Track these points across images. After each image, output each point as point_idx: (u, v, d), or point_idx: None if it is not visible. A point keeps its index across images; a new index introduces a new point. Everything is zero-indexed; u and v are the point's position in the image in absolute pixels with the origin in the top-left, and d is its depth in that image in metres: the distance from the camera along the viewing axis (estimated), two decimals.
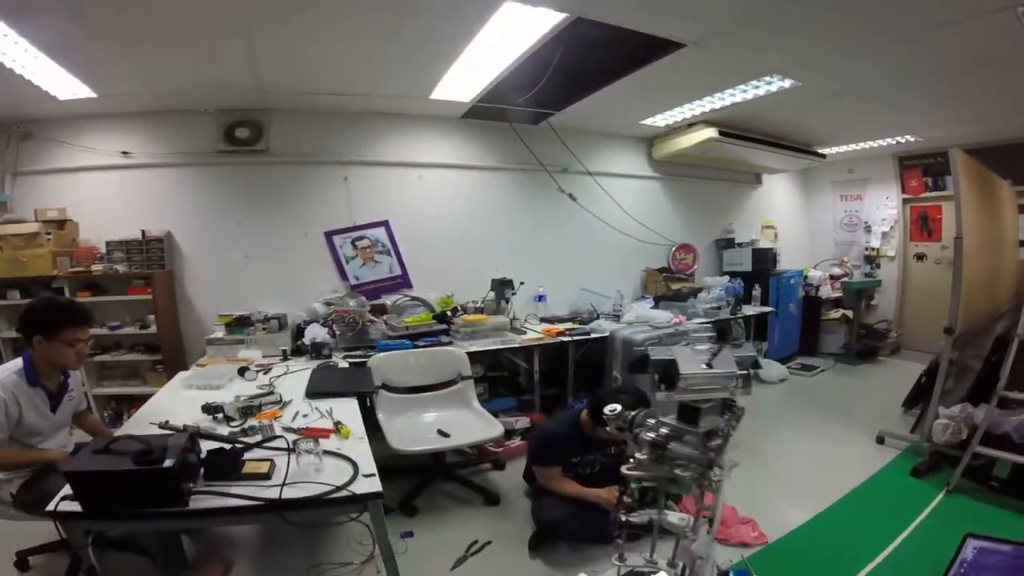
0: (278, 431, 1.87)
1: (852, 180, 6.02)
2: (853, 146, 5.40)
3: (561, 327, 3.86)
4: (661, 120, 4.41)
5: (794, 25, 2.58)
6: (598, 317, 4.11)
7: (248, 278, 3.74)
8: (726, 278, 4.95)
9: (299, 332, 3.44)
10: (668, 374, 1.45)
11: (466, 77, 3.23)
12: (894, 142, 5.18)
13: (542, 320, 4.22)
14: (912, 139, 5.09)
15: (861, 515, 2.67)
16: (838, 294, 5.68)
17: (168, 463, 1.35)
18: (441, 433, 2.73)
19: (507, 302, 3.97)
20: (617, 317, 4.10)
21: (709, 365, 1.39)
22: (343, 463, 1.64)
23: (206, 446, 1.59)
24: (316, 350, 3.16)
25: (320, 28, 2.48)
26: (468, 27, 2.51)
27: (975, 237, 3.12)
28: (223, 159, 3.69)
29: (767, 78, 3.39)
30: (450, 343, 3.41)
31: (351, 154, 3.93)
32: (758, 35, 2.69)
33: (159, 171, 3.60)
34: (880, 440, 3.47)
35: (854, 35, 2.72)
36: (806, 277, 5.63)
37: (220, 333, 3.33)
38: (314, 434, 1.85)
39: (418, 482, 2.77)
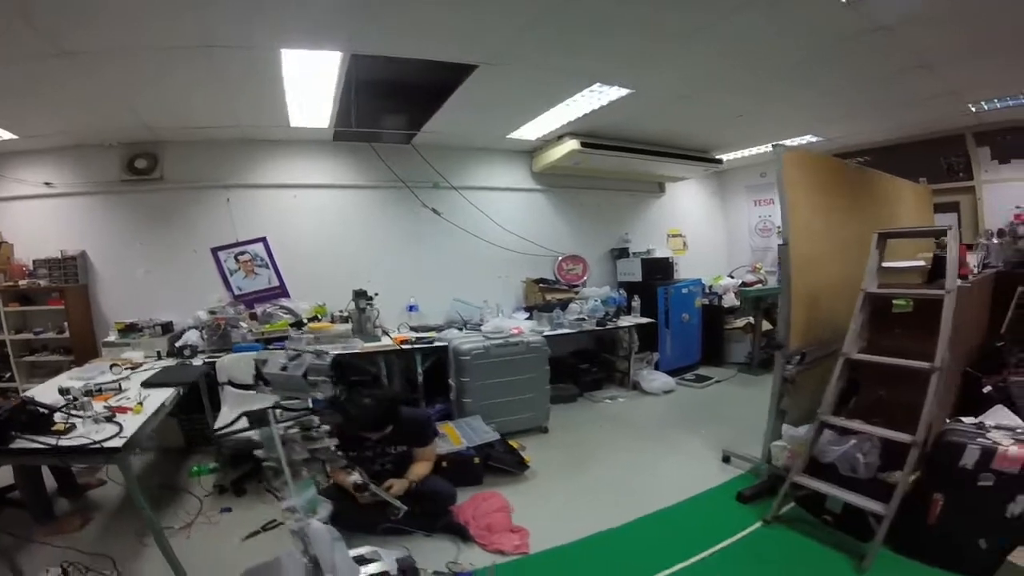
0: (97, 408, 2.91)
1: (764, 184, 6.69)
2: (756, 150, 6.07)
3: (409, 336, 4.88)
4: (527, 134, 5.29)
5: (586, 29, 3.14)
6: (465, 327, 5.13)
7: (147, 290, 5.01)
8: (606, 289, 5.88)
9: (178, 336, 4.66)
10: (260, 374, 2.48)
11: (308, 107, 4.34)
12: (796, 143, 5.71)
13: (412, 329, 5.23)
14: (815, 139, 5.69)
15: (653, 537, 2.95)
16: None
17: None
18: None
19: (363, 311, 4.98)
20: (478, 327, 5.09)
21: (284, 368, 2.41)
22: (114, 427, 2.67)
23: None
24: (180, 352, 4.39)
25: (186, 77, 3.58)
26: (269, 70, 3.50)
27: (814, 243, 3.31)
28: (126, 187, 4.99)
29: (594, 87, 4.09)
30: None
31: (233, 178, 5.17)
32: (551, 47, 3.35)
33: (75, 199, 4.95)
34: (726, 459, 3.81)
35: (662, 36, 3.23)
36: (710, 286, 6.42)
37: (113, 337, 4.63)
38: (117, 410, 2.90)
39: (253, 467, 3.57)
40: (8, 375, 4.70)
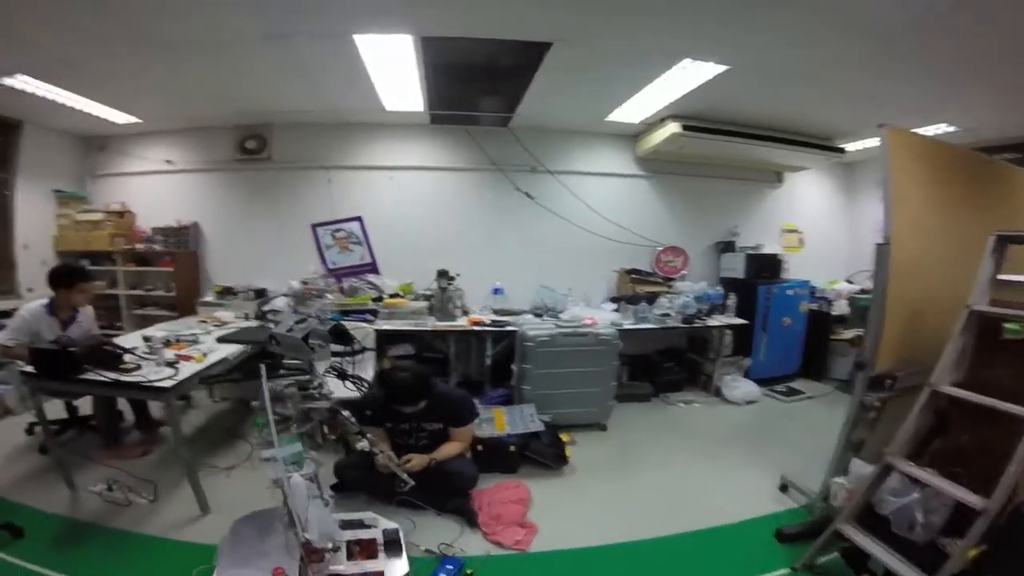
0: (167, 355, 3.30)
1: None
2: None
3: (484, 318, 4.99)
4: (628, 116, 5.13)
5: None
6: (546, 314, 5.13)
7: (251, 258, 5.64)
8: (702, 284, 5.60)
9: (267, 302, 5.10)
10: (273, 335, 2.70)
11: (398, 92, 4.60)
12: (933, 132, 5.00)
13: (494, 312, 5.31)
14: (951, 129, 5.00)
15: (663, 559, 2.80)
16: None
17: (72, 350, 3.09)
18: None
19: (444, 291, 5.14)
20: (559, 315, 5.10)
21: (290, 330, 2.61)
22: (171, 371, 3.04)
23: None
24: (264, 315, 4.82)
25: (270, 65, 3.99)
26: (347, 56, 3.75)
27: (922, 243, 2.86)
28: (237, 166, 5.65)
29: (683, 63, 3.84)
30: (372, 320, 4.84)
31: (334, 159, 5.61)
32: (626, 21, 3.23)
33: (192, 175, 5.69)
34: (783, 488, 3.47)
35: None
36: (821, 290, 5.96)
37: (211, 298, 5.26)
38: (182, 358, 3.31)
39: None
40: (119, 324, 5.42)
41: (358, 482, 3.19)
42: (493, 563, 2.68)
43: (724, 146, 5.31)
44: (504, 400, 4.61)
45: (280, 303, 5.06)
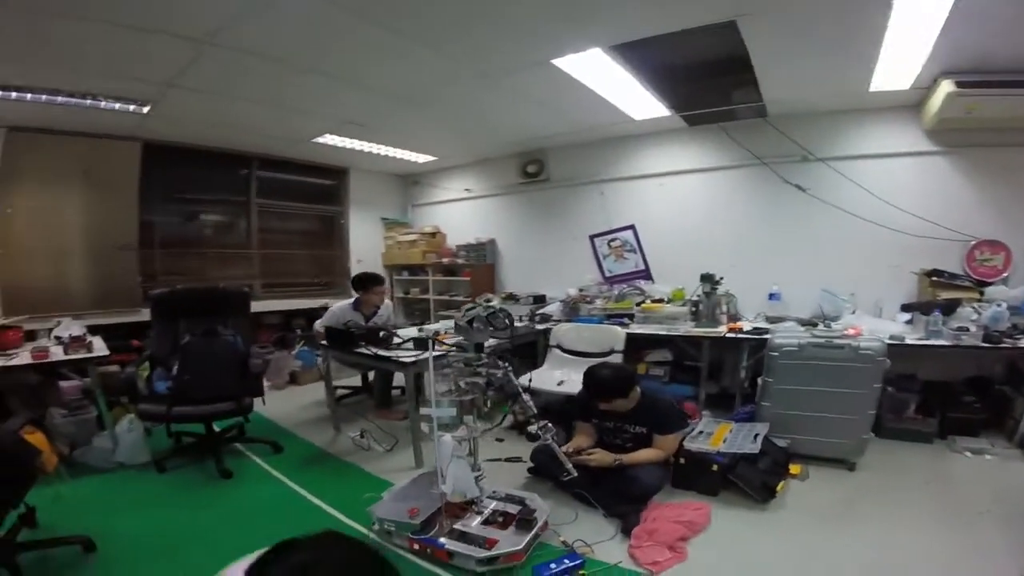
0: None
1: None
2: None
3: (742, 325, 4.95)
4: (890, 82, 4.53)
5: None
6: (823, 322, 4.70)
7: (537, 269, 6.80)
8: (1020, 291, 4.58)
9: (542, 306, 6.11)
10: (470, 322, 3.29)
11: (631, 102, 5.10)
12: None
13: (767, 319, 5.19)
14: None
15: None
16: None
17: (354, 331, 4.33)
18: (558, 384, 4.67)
19: (708, 295, 5.30)
20: (832, 322, 4.73)
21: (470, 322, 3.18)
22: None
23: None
24: (533, 317, 5.75)
25: (499, 98, 4.91)
26: (557, 78, 4.35)
27: None
28: (522, 188, 6.85)
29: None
30: (627, 324, 5.26)
31: (605, 173, 6.36)
32: None
33: (486, 199, 7.12)
34: None
35: None
36: None
37: (495, 302, 6.48)
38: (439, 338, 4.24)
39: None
40: (426, 322, 6.82)
41: (546, 467, 3.48)
42: (612, 573, 2.72)
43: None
44: (748, 418, 4.23)
45: (553, 308, 5.97)
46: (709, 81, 4.97)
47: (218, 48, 3.68)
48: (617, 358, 4.85)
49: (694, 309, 5.41)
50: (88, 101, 4.52)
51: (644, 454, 3.44)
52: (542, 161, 6.69)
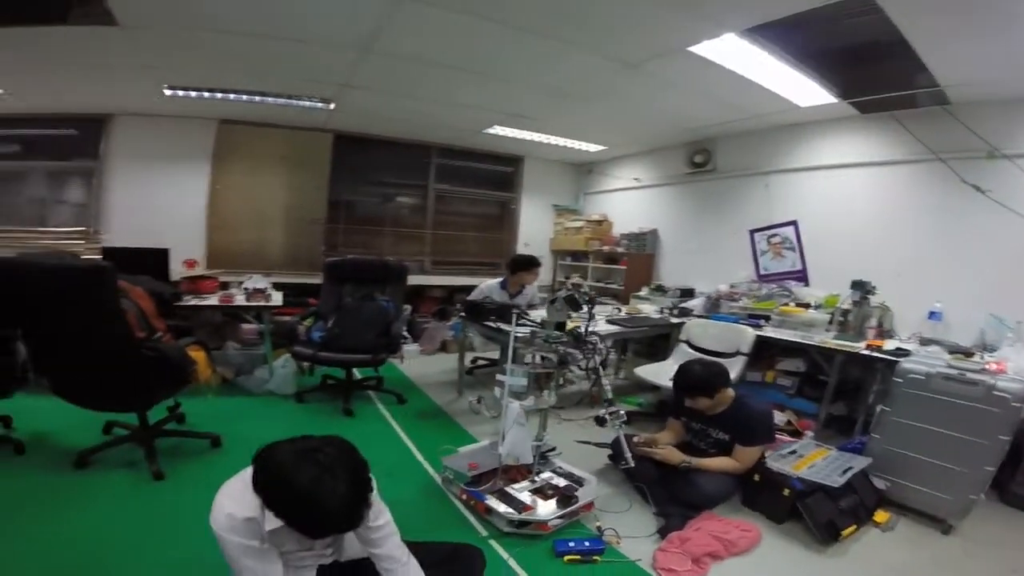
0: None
1: None
2: None
3: (883, 343, 4.56)
4: None
5: None
6: (983, 351, 4.19)
7: (694, 261, 6.90)
8: None
9: (688, 300, 6.27)
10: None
11: (792, 87, 4.96)
12: None
13: (921, 342, 4.69)
14: None
15: None
16: None
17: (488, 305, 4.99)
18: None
19: (858, 305, 5.03)
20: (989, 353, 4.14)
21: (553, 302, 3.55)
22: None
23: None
24: (672, 310, 5.98)
25: (648, 88, 5.10)
26: (700, 64, 4.40)
27: None
28: (688, 178, 6.97)
29: None
30: (760, 326, 5.22)
31: (770, 164, 6.22)
32: None
33: (653, 189, 7.33)
34: None
35: None
36: None
37: (644, 292, 6.73)
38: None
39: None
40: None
41: (621, 456, 3.46)
42: (625, 569, 2.85)
43: None
44: (858, 449, 3.88)
45: (696, 303, 6.13)
46: (877, 63, 4.58)
47: (377, 55, 4.62)
48: (740, 361, 4.98)
49: (841, 319, 5.15)
50: (282, 100, 5.82)
51: (716, 462, 3.47)
52: (709, 151, 6.76)
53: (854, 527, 3.23)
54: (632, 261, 7.39)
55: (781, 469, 3.44)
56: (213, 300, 5.29)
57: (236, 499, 1.79)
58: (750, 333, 5.11)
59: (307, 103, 5.98)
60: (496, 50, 4.45)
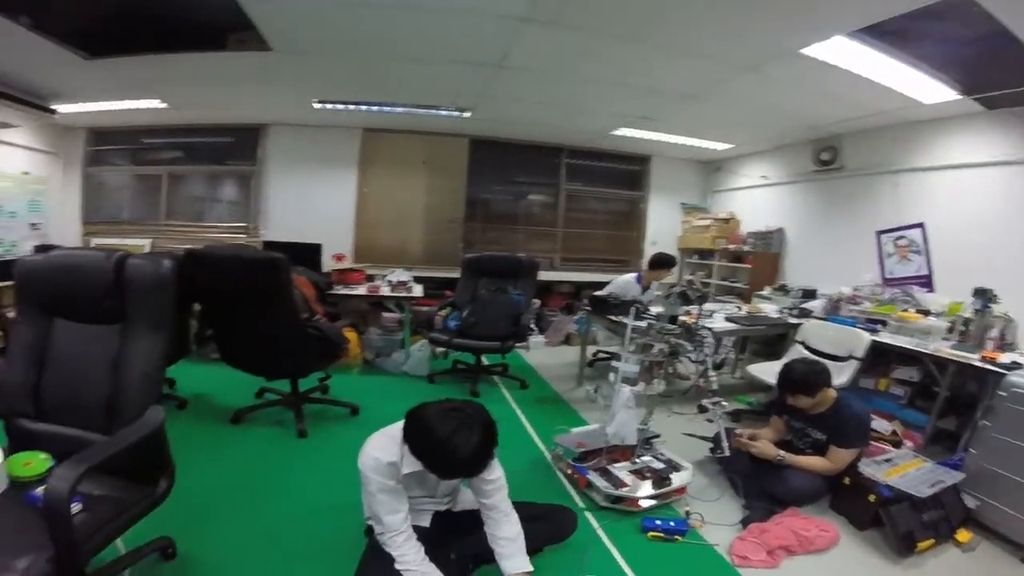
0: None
1: None
2: None
3: (999, 356, 4.59)
4: None
5: None
6: None
7: (819, 262, 7.32)
8: None
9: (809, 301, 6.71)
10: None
11: (911, 85, 5.22)
12: None
13: None
14: None
15: None
16: None
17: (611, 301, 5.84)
18: None
19: (980, 314, 5.17)
20: None
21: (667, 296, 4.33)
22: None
23: None
24: (791, 311, 6.47)
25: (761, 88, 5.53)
26: (813, 65, 4.80)
27: None
28: (814, 176, 7.39)
29: None
30: (876, 331, 5.51)
31: (901, 163, 6.49)
32: None
33: (780, 187, 7.81)
34: None
35: None
36: None
37: (767, 292, 7.23)
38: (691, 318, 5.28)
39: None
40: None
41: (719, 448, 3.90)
42: (699, 552, 3.24)
43: None
44: (957, 465, 3.95)
45: (816, 304, 6.61)
46: (996, 57, 4.62)
47: (507, 70, 5.50)
48: (852, 365, 5.24)
49: (963, 328, 5.31)
50: (422, 110, 6.97)
51: (809, 460, 3.70)
52: (836, 148, 7.15)
53: (932, 541, 3.33)
54: (757, 260, 7.95)
55: (872, 475, 3.61)
56: (361, 290, 6.55)
57: (382, 447, 2.49)
58: (865, 337, 5.31)
59: (444, 112, 7.08)
60: (615, 61, 5.18)
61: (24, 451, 2.39)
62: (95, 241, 8.09)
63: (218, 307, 4.68)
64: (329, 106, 7.10)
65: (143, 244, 8.00)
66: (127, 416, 2.33)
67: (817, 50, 4.56)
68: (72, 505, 1.87)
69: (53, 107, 6.87)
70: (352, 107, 7.10)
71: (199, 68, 5.81)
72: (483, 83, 5.99)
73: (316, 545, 3.10)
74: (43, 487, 1.86)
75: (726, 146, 8.21)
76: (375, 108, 7.11)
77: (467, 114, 7.18)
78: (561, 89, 6.14)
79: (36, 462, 2.31)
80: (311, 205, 8.30)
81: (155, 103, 7.03)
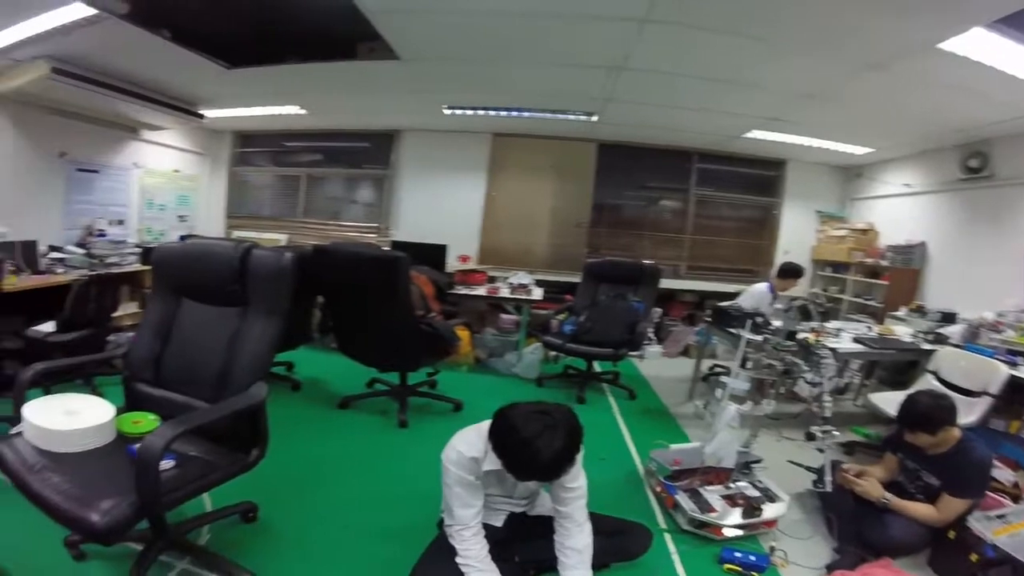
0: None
1: None
2: None
3: None
4: None
5: None
6: None
7: (963, 282, 6.85)
8: None
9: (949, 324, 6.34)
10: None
11: None
12: None
13: None
14: None
15: None
16: None
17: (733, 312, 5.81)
18: None
19: None
20: None
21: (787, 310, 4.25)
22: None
23: None
24: (927, 335, 6.14)
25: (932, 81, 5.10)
26: (955, 61, 4.52)
27: None
28: (960, 185, 6.97)
29: None
30: (1015, 364, 5.04)
31: None
32: None
33: (924, 197, 7.43)
34: None
35: None
36: None
37: (902, 313, 6.91)
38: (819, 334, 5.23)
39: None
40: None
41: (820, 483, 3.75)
42: None
43: None
44: None
45: (954, 330, 6.32)
46: None
47: (632, 72, 5.63)
48: (984, 403, 4.76)
49: None
50: (549, 115, 7.25)
51: (916, 507, 3.39)
52: (985, 154, 6.70)
53: None
54: (895, 276, 7.59)
55: (980, 531, 3.23)
56: (481, 291, 6.99)
57: (467, 442, 2.59)
58: (1002, 370, 4.81)
59: (572, 116, 7.33)
60: (738, 59, 5.14)
61: (137, 411, 2.78)
62: (236, 233, 9.11)
63: (339, 300, 5.18)
64: (458, 112, 7.50)
65: (280, 238, 8.74)
66: (233, 389, 2.63)
67: (955, 44, 4.32)
68: (165, 461, 2.21)
69: (201, 112, 7.69)
70: (481, 112, 7.46)
71: (332, 76, 6.38)
72: (608, 86, 6.16)
73: (390, 528, 3.35)
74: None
75: (865, 150, 7.87)
76: (503, 113, 7.42)
77: (594, 118, 7.38)
78: (687, 90, 6.18)
79: (145, 421, 2.67)
80: (440, 207, 8.86)
81: (294, 109, 7.77)
